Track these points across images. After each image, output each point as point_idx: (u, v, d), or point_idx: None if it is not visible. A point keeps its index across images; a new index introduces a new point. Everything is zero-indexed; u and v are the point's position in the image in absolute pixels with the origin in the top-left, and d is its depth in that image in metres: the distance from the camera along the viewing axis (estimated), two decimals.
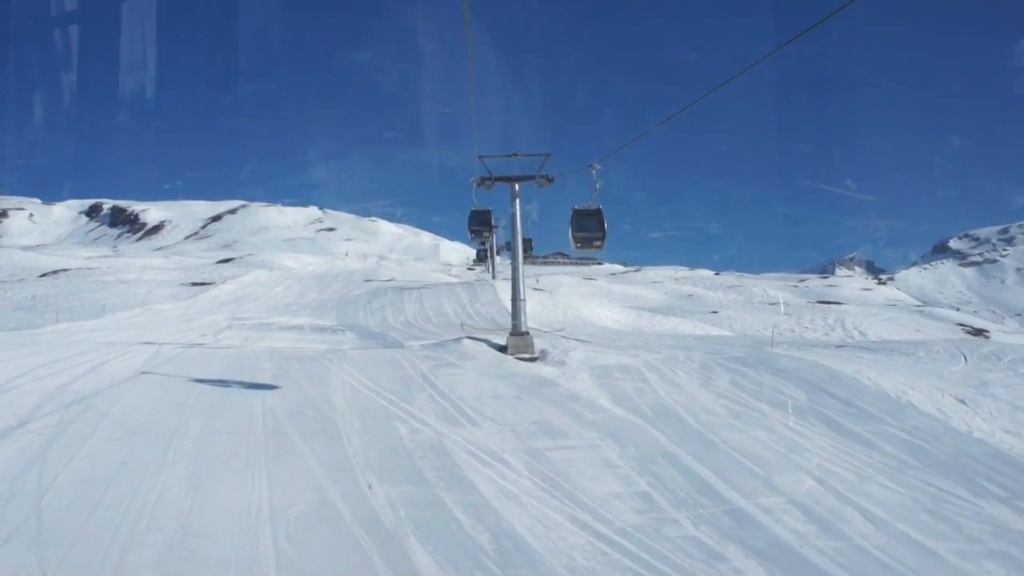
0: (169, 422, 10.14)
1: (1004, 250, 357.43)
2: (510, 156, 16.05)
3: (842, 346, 21.18)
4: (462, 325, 17.97)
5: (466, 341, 16.32)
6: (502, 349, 15.89)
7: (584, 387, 13.07)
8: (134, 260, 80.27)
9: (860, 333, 51.71)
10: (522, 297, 16.26)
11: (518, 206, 16.51)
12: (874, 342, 23.29)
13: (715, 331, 43.53)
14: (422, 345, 16.88)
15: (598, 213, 14.33)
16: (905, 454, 11.20)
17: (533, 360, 15.10)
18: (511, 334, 16.04)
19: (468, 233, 16.34)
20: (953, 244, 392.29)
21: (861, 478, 10.16)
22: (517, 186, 16.45)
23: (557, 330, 23.43)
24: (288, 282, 51.88)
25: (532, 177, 16.30)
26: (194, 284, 51.50)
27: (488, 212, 16.91)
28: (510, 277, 18.23)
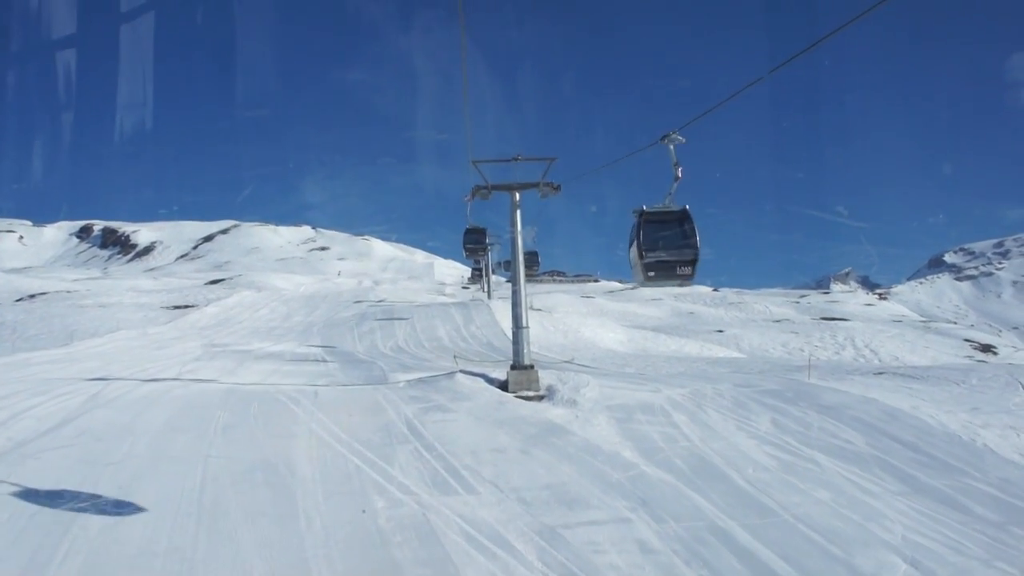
0: (57, 520, 7.70)
1: (1000, 264, 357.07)
2: (509, 161, 13.85)
3: (881, 373, 19.00)
4: (455, 358, 15.69)
5: (460, 377, 14.03)
6: (502, 385, 13.64)
7: (603, 434, 10.82)
8: (121, 282, 77.83)
9: (871, 351, 49.73)
10: (525, 324, 13.98)
11: (519, 219, 14.28)
12: (913, 368, 21.10)
13: (722, 352, 41.39)
14: (408, 382, 14.60)
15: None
16: (1002, 516, 9.02)
17: (539, 399, 12.83)
18: (512, 368, 13.76)
19: (463, 251, 15.20)
20: (948, 258, 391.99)
21: (961, 555, 7.97)
22: (518, 195, 14.22)
23: (564, 360, 21.18)
24: (274, 304, 49.52)
25: (535, 185, 14.08)
26: (175, 308, 49.14)
27: (483, 231, 15.58)
28: (510, 300, 16.06)
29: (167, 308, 49.34)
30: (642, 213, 10.03)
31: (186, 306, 49.42)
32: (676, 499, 8.75)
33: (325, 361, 24.65)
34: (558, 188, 13.99)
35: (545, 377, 13.84)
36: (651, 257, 9.91)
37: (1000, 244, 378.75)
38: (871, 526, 8.62)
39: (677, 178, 9.71)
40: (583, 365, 25.42)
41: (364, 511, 7.81)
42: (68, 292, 58.57)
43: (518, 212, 14.25)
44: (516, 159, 13.74)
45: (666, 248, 9.98)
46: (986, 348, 56.11)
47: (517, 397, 12.97)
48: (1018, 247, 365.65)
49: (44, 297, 55.60)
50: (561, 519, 7.91)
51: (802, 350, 47.89)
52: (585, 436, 10.64)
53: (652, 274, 10.07)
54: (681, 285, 11.17)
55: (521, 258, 14.19)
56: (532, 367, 13.70)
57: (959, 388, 16.74)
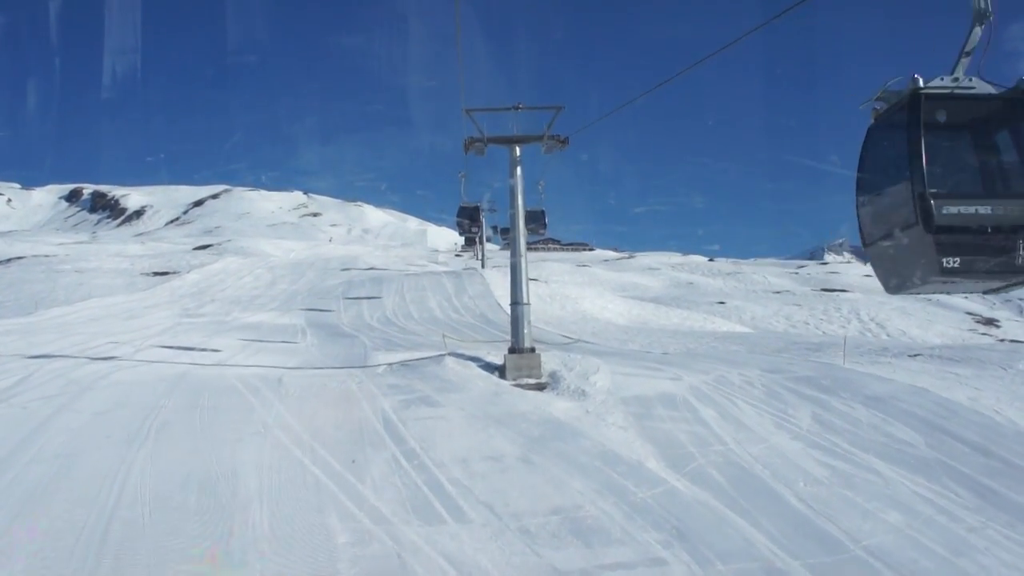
0: None
1: None
2: (508, 110, 11.80)
3: (918, 354, 17.19)
4: (444, 337, 13.77)
5: (449, 361, 12.10)
6: (498, 371, 11.77)
7: (620, 436, 8.97)
8: (107, 247, 75.42)
9: (878, 325, 48.21)
10: (525, 300, 12.04)
11: (519, 177, 12.24)
12: (950, 348, 19.30)
13: (726, 325, 39.67)
14: (390, 366, 12.67)
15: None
16: None
17: (541, 388, 10.96)
18: (510, 351, 11.84)
19: (457, 228, 13.95)
20: None
21: None
22: (518, 149, 12.16)
23: (564, 336, 19.29)
24: (259, 271, 47.48)
25: (539, 138, 12.03)
26: (156, 274, 47.06)
27: (477, 208, 14.17)
28: (504, 269, 14.13)
29: (147, 274, 47.29)
30: (917, 99, 4.60)
31: (167, 272, 47.35)
32: (719, 528, 6.94)
33: (304, 334, 22.78)
34: (565, 141, 11.97)
35: (548, 361, 11.96)
36: (958, 221, 4.53)
37: None
38: (961, 562, 6.85)
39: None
40: (586, 342, 23.61)
41: (322, 551, 5.97)
42: (46, 257, 56.32)
43: (518, 169, 12.21)
44: (517, 107, 11.69)
45: (997, 193, 4.72)
46: (989, 322, 54.87)
47: (516, 386, 11.09)
48: None
49: (21, 262, 53.34)
50: (577, 561, 6.09)
51: (807, 323, 46.38)
52: (599, 438, 8.80)
53: (956, 265, 4.58)
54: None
55: (522, 224, 12.22)
56: (533, 350, 11.80)
57: (1008, 374, 14.94)
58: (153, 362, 13.72)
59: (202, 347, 17.02)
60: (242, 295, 37.93)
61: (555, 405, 9.91)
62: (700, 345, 23.87)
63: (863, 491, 8.22)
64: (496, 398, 10.09)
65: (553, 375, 11.43)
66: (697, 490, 7.70)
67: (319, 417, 9.10)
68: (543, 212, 12.92)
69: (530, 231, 12.84)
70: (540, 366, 11.59)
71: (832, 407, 11.24)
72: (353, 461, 7.83)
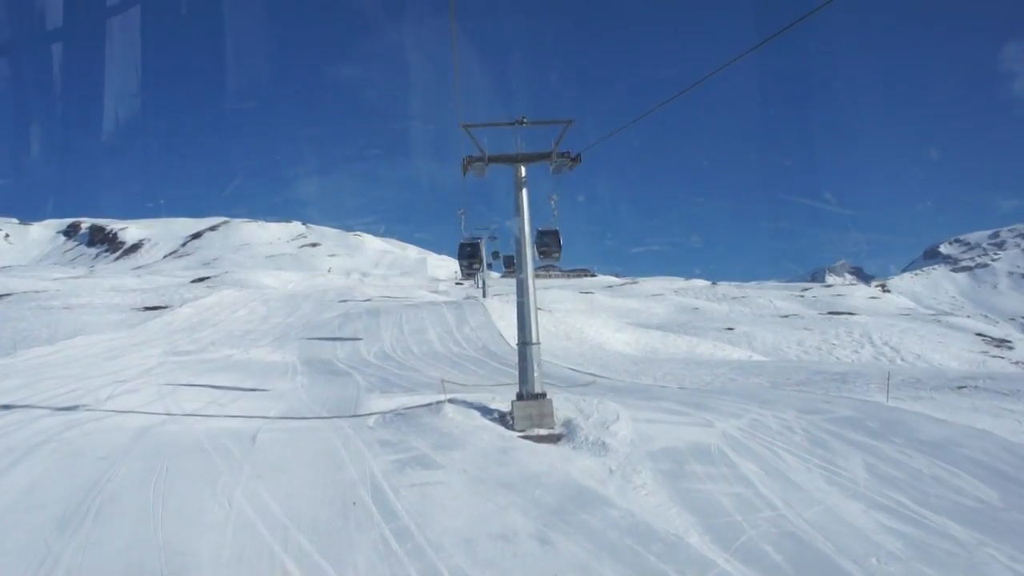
0: None
1: (995, 255, 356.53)
2: (512, 125, 10.51)
3: (961, 387, 15.82)
4: (443, 382, 12.37)
5: (448, 410, 10.68)
6: (504, 420, 10.38)
7: (652, 503, 7.57)
8: (103, 281, 74.17)
9: (892, 349, 46.90)
10: (534, 340, 10.61)
11: (525, 200, 10.88)
12: (992, 378, 17.90)
13: (737, 352, 38.27)
14: (382, 415, 11.25)
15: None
16: None
17: (555, 440, 9.57)
18: (518, 397, 10.43)
19: (458, 268, 12.57)
20: (944, 249, 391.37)
21: None
22: (523, 169, 10.86)
23: (576, 372, 17.87)
24: (253, 304, 46.10)
25: (546, 155, 10.69)
26: (147, 308, 45.68)
27: (478, 245, 12.84)
28: (505, 298, 12.72)
29: (139, 309, 45.94)
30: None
31: (160, 307, 45.98)
32: None
33: (295, 372, 21.39)
34: (577, 159, 10.66)
35: (561, 408, 10.57)
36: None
37: (996, 235, 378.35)
38: None
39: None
40: (596, 375, 22.22)
41: None
42: (36, 293, 54.97)
43: (524, 192, 10.87)
44: (521, 122, 10.40)
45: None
46: (1001, 343, 53.72)
47: (525, 437, 9.69)
48: (1013, 238, 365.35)
49: (9, 299, 51.99)
50: None
51: (819, 348, 45.08)
52: (628, 507, 7.40)
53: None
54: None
55: (529, 253, 10.86)
56: (544, 396, 10.39)
57: None
58: (122, 412, 12.32)
59: (175, 393, 15.62)
60: (235, 329, 36.54)
61: (574, 464, 8.51)
62: (717, 377, 22.48)
63: (946, 567, 6.83)
64: (504, 456, 8.69)
65: (568, 424, 10.04)
66: (752, 575, 6.30)
67: (296, 486, 7.71)
68: (557, 232, 11.21)
69: (542, 255, 11.29)
70: (553, 414, 10.20)
71: (886, 455, 9.86)
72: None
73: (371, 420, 10.88)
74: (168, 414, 12.22)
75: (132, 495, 7.38)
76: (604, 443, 9.24)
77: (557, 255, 11.28)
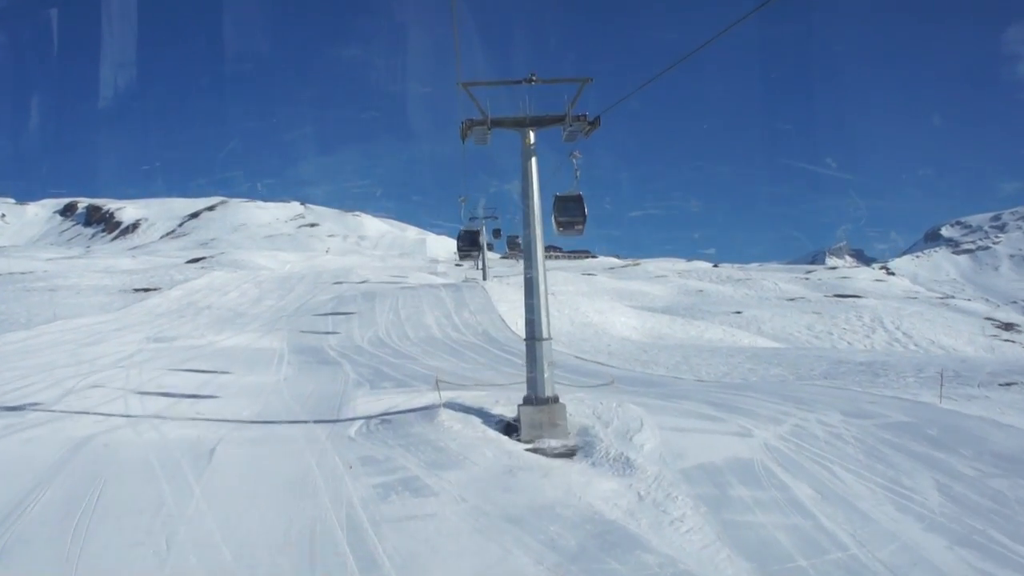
0: None
1: (996, 237, 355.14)
2: (518, 83, 8.92)
3: (1011, 383, 14.37)
4: (437, 382, 10.83)
5: (444, 416, 9.15)
6: (509, 429, 8.91)
7: (696, 544, 6.09)
8: (96, 261, 72.36)
9: (904, 334, 45.55)
10: (545, 335, 9.03)
11: (534, 170, 9.29)
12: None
13: (747, 337, 36.89)
14: (367, 422, 9.71)
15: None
16: None
17: (570, 454, 8.10)
18: (526, 401, 8.91)
19: (457, 254, 10.92)
20: (945, 232, 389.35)
21: None
22: (532, 135, 9.29)
23: (591, 371, 16.30)
24: (245, 286, 44.57)
25: (560, 118, 9.07)
26: (136, 290, 44.15)
27: (477, 233, 10.93)
28: (505, 280, 11.15)
29: (127, 292, 44.41)
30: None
31: (147, 289, 44.45)
32: None
33: (281, 361, 19.93)
34: (595, 123, 9.07)
35: (575, 413, 9.08)
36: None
37: (997, 217, 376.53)
38: None
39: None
40: (601, 364, 20.76)
41: None
42: (22, 274, 53.38)
43: (533, 161, 9.29)
44: (531, 79, 8.80)
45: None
46: (1008, 327, 52.65)
47: (535, 451, 8.21)
48: (1015, 220, 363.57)
49: None
50: None
51: (831, 333, 43.68)
52: (665, 549, 5.92)
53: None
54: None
55: (539, 229, 9.28)
56: (556, 400, 8.89)
57: None
58: (74, 412, 10.84)
59: (149, 388, 14.15)
60: (225, 313, 35.06)
61: (595, 488, 7.02)
62: (734, 368, 21.04)
63: None
64: (510, 478, 7.20)
65: (584, 433, 8.56)
66: None
67: (255, 520, 6.22)
68: (580, 197, 9.35)
69: (563, 228, 9.49)
70: (566, 421, 8.71)
71: (957, 472, 8.39)
72: None
73: (353, 429, 9.34)
74: (126, 416, 10.73)
75: (46, 536, 5.89)
76: (628, 459, 7.76)
77: (581, 226, 9.50)
